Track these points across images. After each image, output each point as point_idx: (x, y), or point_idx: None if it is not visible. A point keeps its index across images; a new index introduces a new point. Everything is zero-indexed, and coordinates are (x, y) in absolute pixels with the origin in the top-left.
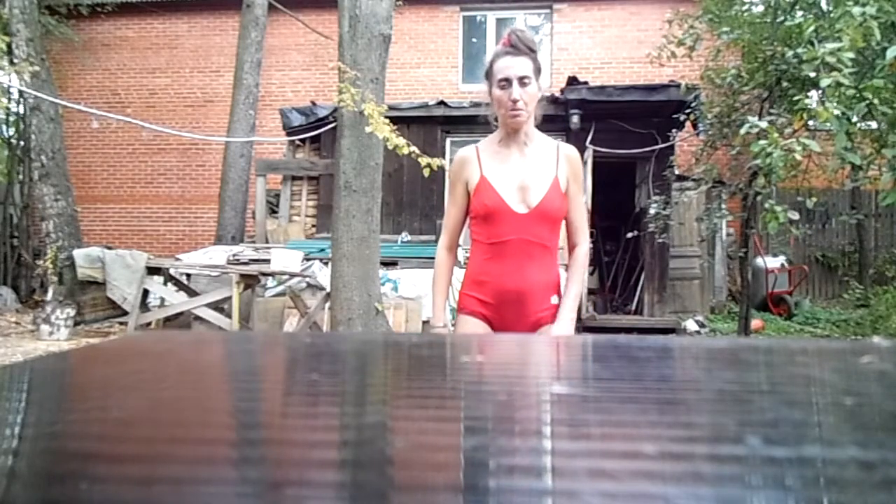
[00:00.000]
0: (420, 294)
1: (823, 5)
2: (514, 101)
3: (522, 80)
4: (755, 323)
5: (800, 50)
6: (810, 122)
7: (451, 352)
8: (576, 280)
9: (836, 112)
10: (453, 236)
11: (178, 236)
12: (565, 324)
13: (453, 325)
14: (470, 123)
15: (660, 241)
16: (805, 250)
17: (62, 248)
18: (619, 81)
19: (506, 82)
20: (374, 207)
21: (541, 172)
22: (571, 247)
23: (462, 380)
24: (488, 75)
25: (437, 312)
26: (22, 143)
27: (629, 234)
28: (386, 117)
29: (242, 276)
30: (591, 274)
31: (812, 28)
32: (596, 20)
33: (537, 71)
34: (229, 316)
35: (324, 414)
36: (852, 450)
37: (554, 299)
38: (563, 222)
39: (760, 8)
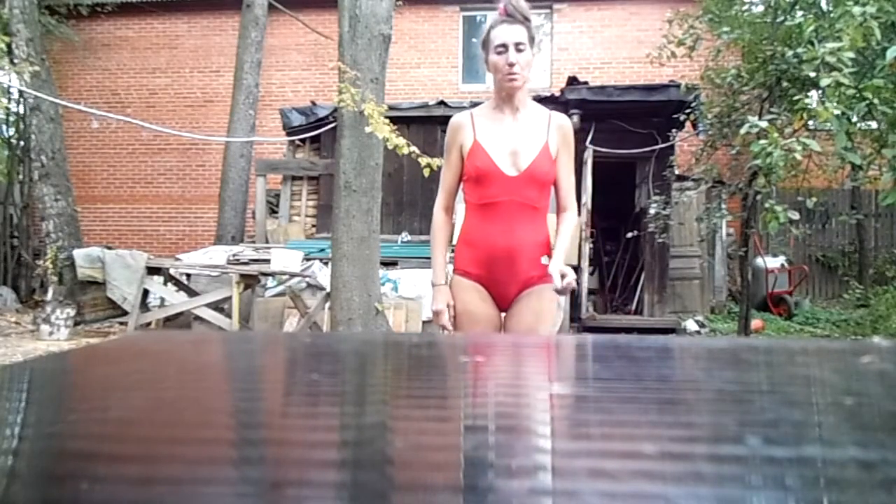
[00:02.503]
0: (420, 294)
1: (823, 5)
2: (511, 65)
3: (518, 46)
4: (755, 323)
5: (800, 50)
6: (810, 122)
7: (451, 352)
8: (565, 232)
9: (836, 112)
10: (449, 198)
11: (178, 236)
12: (559, 261)
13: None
14: None
15: (660, 241)
16: (805, 250)
17: (62, 248)
18: (619, 81)
19: (503, 48)
20: (374, 207)
21: (532, 137)
22: (560, 210)
23: (462, 380)
24: (485, 44)
25: (438, 270)
26: (22, 143)
27: (629, 234)
28: (386, 117)
29: (242, 276)
30: (592, 274)
31: (812, 28)
32: (596, 20)
33: (531, 39)
34: (229, 316)
35: (324, 414)
36: (852, 450)
37: (544, 259)
38: (553, 188)
39: (760, 8)
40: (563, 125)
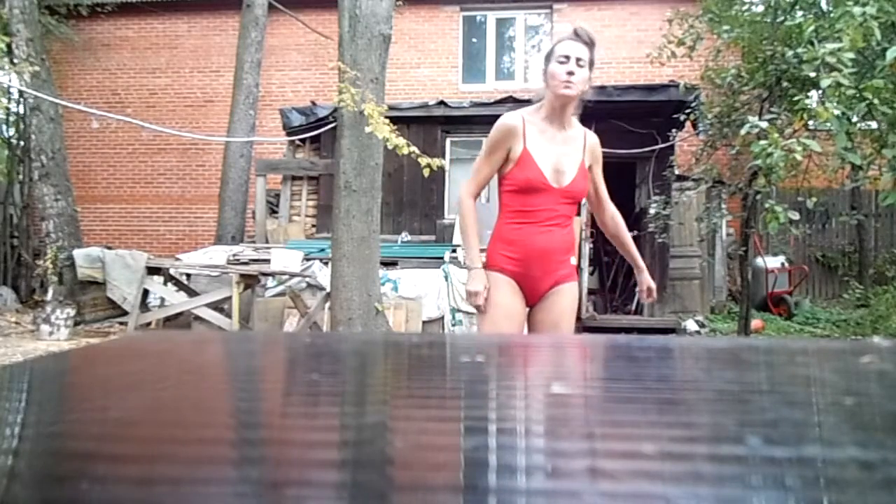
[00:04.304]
0: (420, 294)
1: (823, 5)
2: (570, 74)
3: (579, 62)
4: (755, 323)
5: (800, 50)
6: (810, 122)
7: (451, 352)
8: (629, 238)
9: (836, 112)
10: (479, 189)
11: (178, 236)
12: (646, 274)
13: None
14: (470, 123)
15: (660, 241)
16: (805, 250)
17: (62, 248)
18: (619, 81)
19: (565, 58)
20: (374, 207)
21: (572, 156)
22: (603, 212)
23: (462, 380)
24: (548, 56)
25: (474, 254)
26: (22, 143)
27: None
28: (386, 117)
29: (242, 276)
30: (592, 274)
31: (812, 28)
32: (596, 20)
33: (591, 63)
34: (229, 316)
35: (324, 414)
36: (852, 450)
37: (573, 260)
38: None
39: (760, 8)
40: (594, 144)
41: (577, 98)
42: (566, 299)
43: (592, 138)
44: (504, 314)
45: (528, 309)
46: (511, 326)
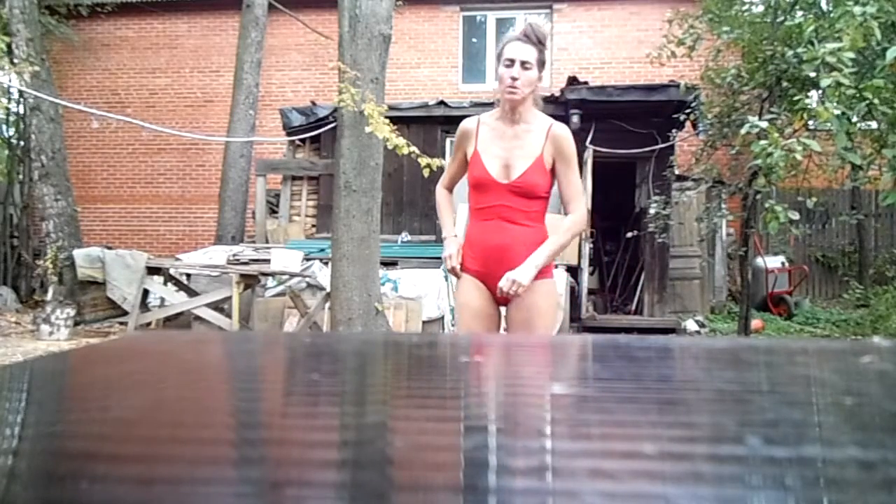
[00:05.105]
0: (420, 294)
1: (823, 5)
2: (513, 79)
3: (524, 64)
4: (755, 323)
5: (800, 50)
6: (810, 122)
7: (451, 352)
8: (554, 238)
9: (836, 112)
10: (451, 183)
11: (178, 236)
12: (523, 269)
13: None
14: None
15: (660, 241)
16: (805, 250)
17: (62, 248)
18: (619, 81)
19: (510, 62)
20: (374, 207)
21: (526, 151)
22: (565, 215)
23: (461, 380)
24: (498, 57)
25: (448, 225)
26: (22, 143)
27: (629, 234)
28: (386, 117)
29: (242, 276)
30: (592, 274)
31: (812, 28)
32: (596, 20)
33: (541, 62)
34: (229, 316)
35: (324, 414)
36: (852, 450)
37: None
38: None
39: (760, 8)
40: (557, 135)
41: (527, 99)
42: (535, 296)
43: (558, 130)
44: (471, 314)
45: (503, 309)
46: (479, 325)
